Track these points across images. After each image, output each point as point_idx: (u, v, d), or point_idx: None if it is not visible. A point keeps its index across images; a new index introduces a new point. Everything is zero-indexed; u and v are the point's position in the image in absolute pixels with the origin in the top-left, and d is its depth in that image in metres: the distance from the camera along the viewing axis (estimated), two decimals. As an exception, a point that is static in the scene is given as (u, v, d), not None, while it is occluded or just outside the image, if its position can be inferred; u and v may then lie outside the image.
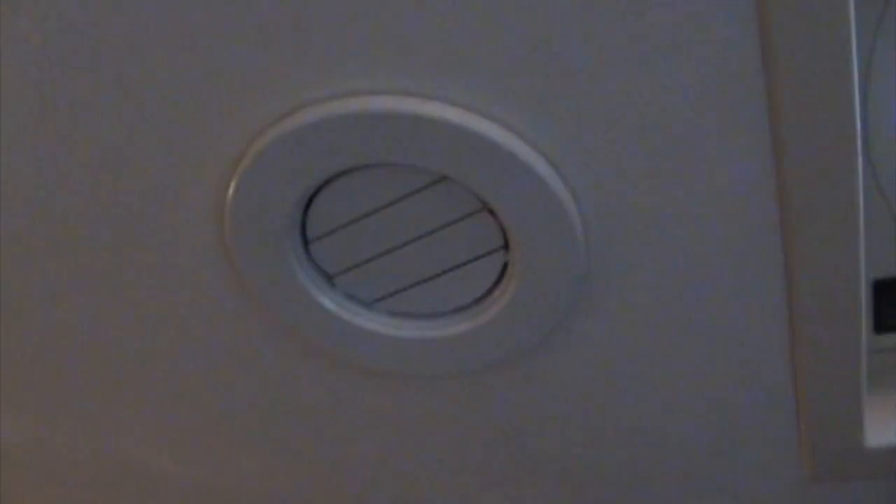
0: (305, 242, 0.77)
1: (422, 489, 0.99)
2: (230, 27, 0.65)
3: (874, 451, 0.87)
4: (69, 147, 0.73)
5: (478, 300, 0.79)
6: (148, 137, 0.72)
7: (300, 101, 0.69)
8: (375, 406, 0.90)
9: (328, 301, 0.80)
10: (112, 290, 0.83)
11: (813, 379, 0.80)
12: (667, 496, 0.95)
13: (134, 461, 1.01)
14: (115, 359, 0.90)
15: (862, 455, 0.87)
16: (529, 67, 0.65)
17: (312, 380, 0.88)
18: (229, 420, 0.94)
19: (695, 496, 0.95)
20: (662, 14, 0.61)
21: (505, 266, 0.76)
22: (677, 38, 0.62)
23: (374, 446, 0.94)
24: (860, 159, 0.67)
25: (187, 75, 0.68)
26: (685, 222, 0.72)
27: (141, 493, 1.05)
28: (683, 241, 0.73)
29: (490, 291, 0.78)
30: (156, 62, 0.67)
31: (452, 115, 0.67)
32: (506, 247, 0.75)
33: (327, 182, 0.73)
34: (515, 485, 0.97)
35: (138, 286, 0.82)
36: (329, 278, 0.79)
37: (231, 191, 0.73)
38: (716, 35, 0.62)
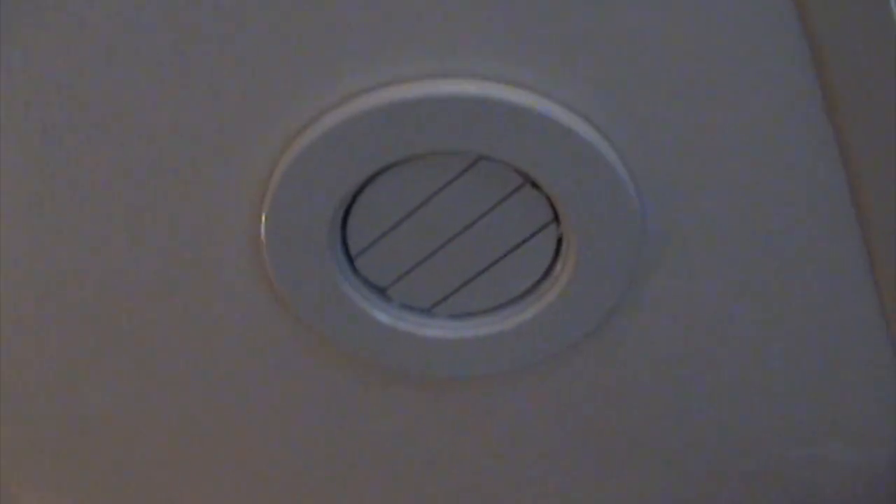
0: (350, 259, 0.74)
1: (500, 493, 0.95)
2: (244, 36, 0.63)
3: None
4: (93, 167, 0.70)
5: (538, 282, 0.76)
6: (169, 171, 0.70)
7: (321, 107, 0.66)
8: (451, 415, 0.86)
9: (384, 315, 0.77)
10: (154, 333, 0.81)
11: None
12: (769, 450, 0.91)
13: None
14: (160, 403, 0.87)
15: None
16: (552, 23, 0.62)
17: (379, 399, 0.85)
18: (290, 456, 0.91)
19: (799, 445, 0.91)
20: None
21: (559, 241, 0.73)
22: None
23: (456, 456, 0.91)
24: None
25: (202, 99, 0.66)
26: (738, 160, 0.69)
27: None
28: (739, 179, 0.70)
29: (549, 271, 0.75)
30: (177, 76, 0.65)
31: (481, 89, 0.64)
32: (556, 220, 0.72)
33: (361, 190, 0.70)
34: (613, 469, 0.93)
35: (180, 326, 0.80)
36: (381, 291, 0.76)
37: (264, 220, 0.71)
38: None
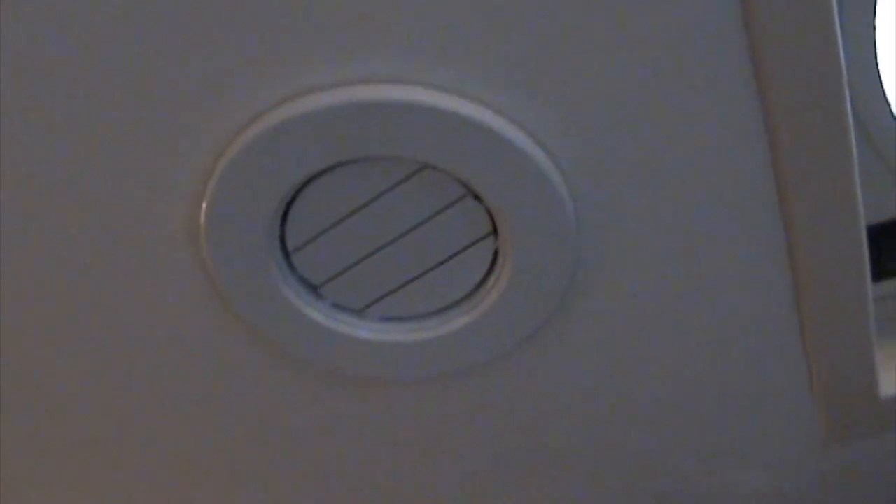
0: (286, 255, 0.74)
1: (432, 499, 0.95)
2: (183, 31, 0.62)
3: (889, 400, 0.85)
4: (34, 149, 0.69)
5: (471, 292, 0.76)
6: (107, 160, 0.69)
7: (266, 104, 0.66)
8: (376, 417, 0.87)
9: (316, 313, 0.77)
10: (86, 330, 0.80)
11: (821, 332, 0.79)
12: (682, 472, 0.93)
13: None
14: (94, 404, 0.86)
15: (877, 406, 0.85)
16: (502, 39, 0.62)
17: (306, 398, 0.85)
18: (223, 453, 0.90)
19: (710, 470, 0.93)
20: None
21: (496, 253, 0.74)
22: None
23: (377, 459, 0.91)
24: (848, 105, 0.66)
25: (146, 87, 0.65)
26: (677, 186, 0.70)
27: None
28: (676, 205, 0.71)
29: (483, 281, 0.76)
30: (116, 73, 0.64)
31: (428, 98, 0.65)
32: (494, 232, 0.72)
33: (303, 187, 0.70)
34: (528, 483, 0.94)
35: (115, 321, 0.79)
36: (314, 289, 0.76)
37: (204, 209, 0.70)
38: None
